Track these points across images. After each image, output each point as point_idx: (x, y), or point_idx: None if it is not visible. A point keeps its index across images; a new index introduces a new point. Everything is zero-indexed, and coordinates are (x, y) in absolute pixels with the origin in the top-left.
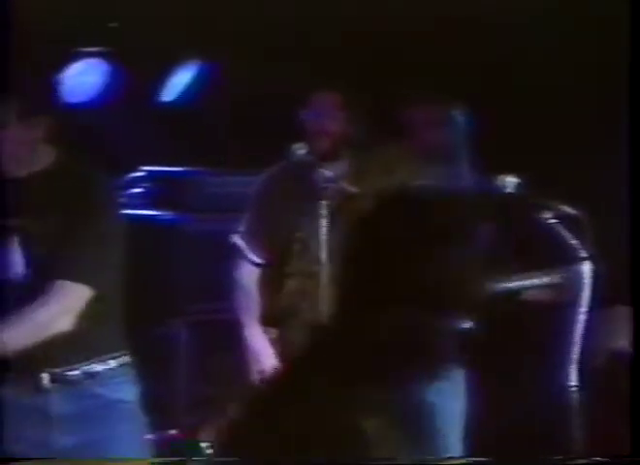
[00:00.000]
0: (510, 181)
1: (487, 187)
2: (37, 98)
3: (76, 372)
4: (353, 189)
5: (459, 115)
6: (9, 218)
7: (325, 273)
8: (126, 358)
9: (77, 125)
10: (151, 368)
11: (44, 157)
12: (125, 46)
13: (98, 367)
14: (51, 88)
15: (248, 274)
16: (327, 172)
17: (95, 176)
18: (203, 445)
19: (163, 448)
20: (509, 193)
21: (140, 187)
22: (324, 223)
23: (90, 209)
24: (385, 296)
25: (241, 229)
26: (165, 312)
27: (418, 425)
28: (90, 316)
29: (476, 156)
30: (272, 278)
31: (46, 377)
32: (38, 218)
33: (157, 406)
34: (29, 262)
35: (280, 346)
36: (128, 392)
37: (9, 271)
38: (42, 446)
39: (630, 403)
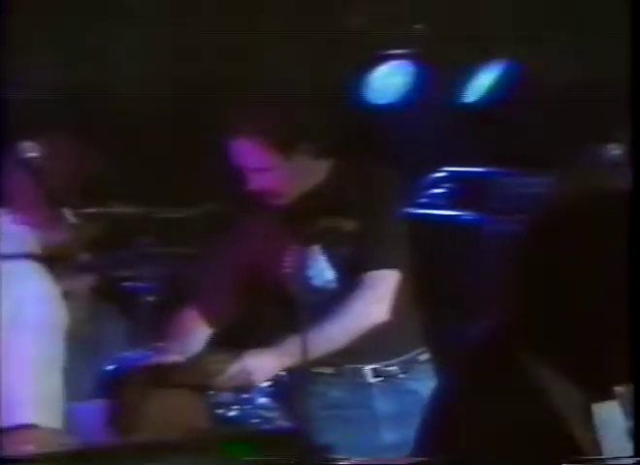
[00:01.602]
0: None
1: None
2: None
3: (393, 367)
4: None
5: None
6: (308, 229)
7: None
8: (428, 355)
9: (383, 125)
10: (452, 366)
11: (318, 171)
12: (430, 47)
13: (409, 362)
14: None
15: None
16: None
17: (387, 174)
18: None
19: None
20: None
21: (442, 187)
22: None
23: (387, 203)
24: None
25: None
26: (465, 312)
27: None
28: (396, 310)
29: None
30: None
31: (369, 372)
32: (338, 222)
33: None
34: (334, 264)
35: None
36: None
37: (317, 276)
38: (364, 443)
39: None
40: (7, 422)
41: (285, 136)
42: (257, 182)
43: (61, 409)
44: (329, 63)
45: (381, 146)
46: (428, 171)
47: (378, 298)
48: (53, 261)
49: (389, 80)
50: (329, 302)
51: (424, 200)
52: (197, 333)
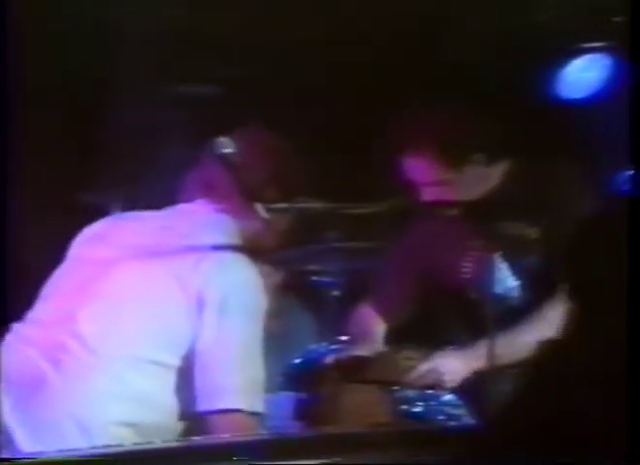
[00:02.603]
0: None
1: None
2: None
3: None
4: None
5: None
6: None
7: None
8: None
9: (575, 122)
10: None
11: (491, 178)
12: (629, 40)
13: None
14: None
15: None
16: None
17: (573, 174)
18: None
19: None
20: None
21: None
22: None
23: (574, 206)
24: None
25: None
26: None
27: None
28: None
29: None
30: None
31: None
32: (520, 227)
33: None
34: (517, 271)
35: None
36: None
37: (499, 283)
38: None
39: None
40: (211, 406)
41: (456, 150)
42: (429, 195)
43: (263, 395)
44: (519, 58)
45: (571, 145)
46: (621, 170)
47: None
48: (249, 253)
49: (584, 75)
50: (513, 309)
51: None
52: (373, 330)
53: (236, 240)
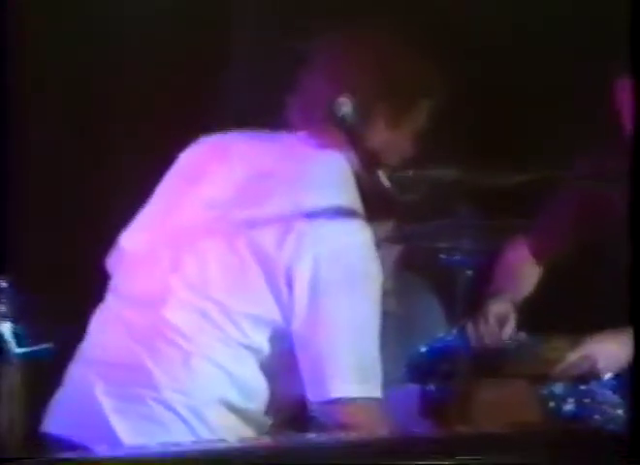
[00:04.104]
0: None
1: None
2: None
3: None
4: None
5: None
6: None
7: None
8: None
9: None
10: None
11: None
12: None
13: None
14: None
15: None
16: None
17: None
18: None
19: None
20: None
21: None
22: None
23: None
24: None
25: None
26: None
27: None
28: None
29: None
30: None
31: None
32: None
33: None
34: None
35: None
36: None
37: None
38: None
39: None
40: (321, 396)
41: None
42: None
43: (379, 376)
44: None
45: None
46: None
47: None
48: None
49: None
50: None
51: None
52: (525, 270)
53: (348, 190)
